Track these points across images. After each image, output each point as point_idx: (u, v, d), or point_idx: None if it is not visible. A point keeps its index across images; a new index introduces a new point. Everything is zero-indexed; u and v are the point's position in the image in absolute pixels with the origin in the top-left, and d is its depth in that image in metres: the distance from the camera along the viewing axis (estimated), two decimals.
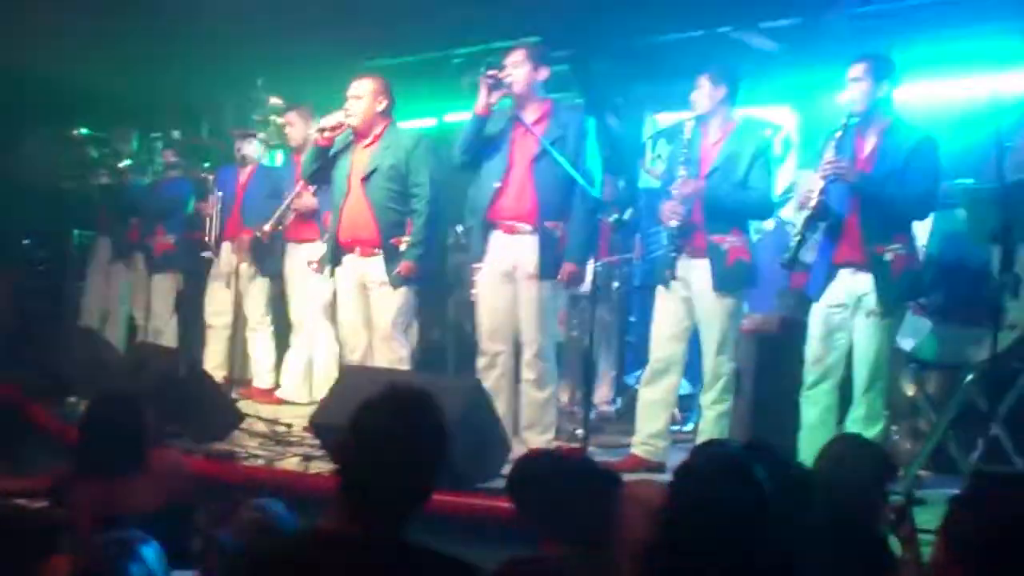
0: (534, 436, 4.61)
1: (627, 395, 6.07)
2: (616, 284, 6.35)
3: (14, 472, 4.52)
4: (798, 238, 4.26)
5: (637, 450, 4.62)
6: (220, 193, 6.30)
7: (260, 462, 4.80)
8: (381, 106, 4.92)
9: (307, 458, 4.78)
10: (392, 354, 4.88)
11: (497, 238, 4.73)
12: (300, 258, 6.18)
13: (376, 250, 4.90)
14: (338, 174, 5.01)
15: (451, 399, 3.73)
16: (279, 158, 7.20)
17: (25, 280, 7.95)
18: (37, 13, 6.28)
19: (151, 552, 2.50)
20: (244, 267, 6.30)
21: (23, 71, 7.11)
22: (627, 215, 5.83)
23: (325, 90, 5.87)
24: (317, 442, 4.74)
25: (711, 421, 4.53)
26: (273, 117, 6.94)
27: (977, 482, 3.49)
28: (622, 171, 6.62)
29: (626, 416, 5.56)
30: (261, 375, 6.57)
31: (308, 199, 5.98)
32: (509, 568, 2.35)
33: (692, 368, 4.93)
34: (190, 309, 6.81)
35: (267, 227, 6.08)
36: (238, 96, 7.34)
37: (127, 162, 7.18)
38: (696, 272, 4.52)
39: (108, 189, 7.18)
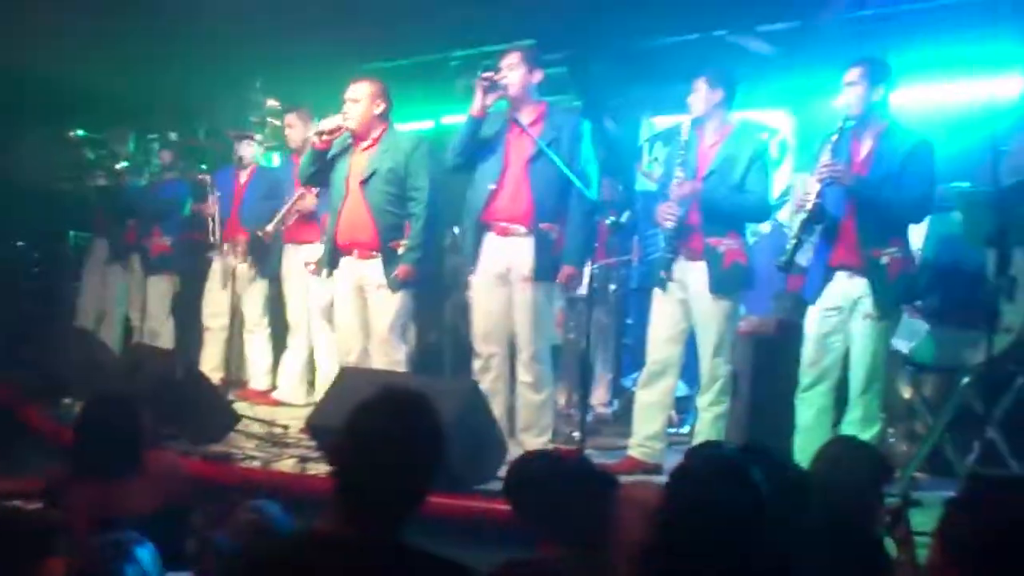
0: (531, 438, 4.62)
1: (624, 397, 6.08)
2: (613, 286, 6.35)
3: (9, 473, 4.50)
4: (794, 241, 4.27)
5: (634, 452, 4.63)
6: (219, 194, 6.30)
7: (256, 464, 4.80)
8: (379, 109, 4.92)
9: (304, 460, 4.78)
10: (389, 357, 4.88)
11: (491, 240, 4.73)
12: (298, 260, 6.18)
13: (374, 253, 4.90)
14: (336, 177, 5.01)
15: (447, 401, 3.74)
16: (275, 159, 7.20)
17: (21, 281, 7.94)
18: (33, 13, 6.27)
19: (146, 554, 2.50)
20: (243, 268, 6.30)
21: (19, 71, 7.10)
22: (624, 217, 5.83)
23: (322, 92, 5.87)
24: (314, 444, 4.74)
25: (708, 423, 4.53)
26: (270, 119, 6.95)
27: (973, 485, 3.49)
28: (619, 174, 6.63)
29: (623, 418, 5.56)
30: (258, 377, 6.57)
31: (310, 200, 5.98)
32: (506, 570, 2.35)
33: (689, 370, 4.94)
34: (186, 311, 6.81)
35: (269, 227, 6.08)
36: (235, 97, 7.34)
37: (124, 163, 7.17)
38: (693, 274, 4.53)
39: (105, 190, 7.17)
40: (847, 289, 4.25)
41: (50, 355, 6.28)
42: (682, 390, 5.30)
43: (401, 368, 4.91)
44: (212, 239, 6.26)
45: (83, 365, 5.90)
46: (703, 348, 4.56)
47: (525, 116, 4.68)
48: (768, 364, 5.03)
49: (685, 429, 5.56)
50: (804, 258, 4.45)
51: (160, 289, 6.89)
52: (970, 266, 4.59)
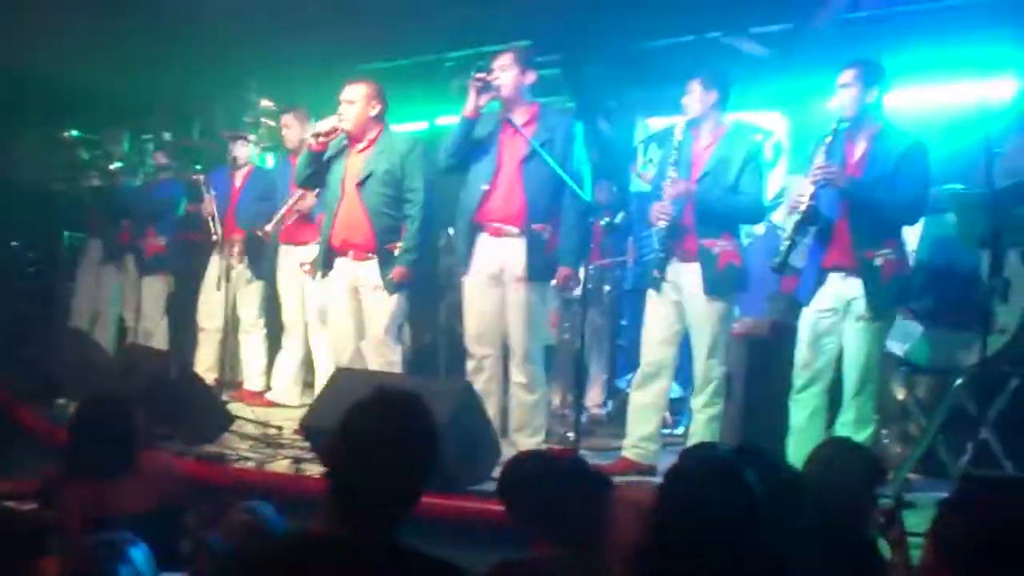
0: (524, 439, 4.62)
1: (618, 398, 6.08)
2: (607, 288, 6.36)
3: (3, 474, 4.49)
4: (788, 242, 4.28)
5: (628, 453, 4.63)
6: (215, 193, 6.30)
7: (250, 464, 4.79)
8: (374, 111, 4.92)
9: (298, 461, 4.77)
10: (385, 359, 4.88)
11: (484, 241, 4.73)
12: (293, 261, 6.18)
13: (369, 255, 4.89)
14: (332, 179, 5.00)
15: (441, 401, 3.74)
16: (269, 160, 7.20)
17: (15, 281, 7.92)
18: (27, 14, 6.26)
19: (140, 554, 2.50)
20: (239, 270, 6.30)
21: (13, 72, 7.09)
22: (619, 219, 5.84)
23: (318, 92, 5.87)
24: (308, 445, 4.73)
25: (702, 424, 4.54)
26: (264, 119, 6.95)
27: (966, 486, 3.50)
28: (613, 175, 6.64)
29: (617, 419, 5.56)
30: (252, 378, 6.56)
31: (311, 199, 5.97)
32: (500, 571, 2.36)
33: (683, 372, 4.95)
34: (181, 311, 6.80)
35: (268, 227, 6.08)
36: (230, 98, 7.34)
37: (118, 164, 7.17)
38: (687, 276, 4.53)
39: (99, 191, 7.17)
40: (841, 290, 4.26)
41: (44, 355, 6.27)
42: (676, 391, 5.31)
43: (397, 369, 4.91)
44: (214, 237, 6.24)
45: (77, 365, 5.90)
46: (697, 350, 4.56)
47: (518, 117, 4.69)
48: (762, 366, 5.03)
49: (679, 430, 5.56)
50: (798, 260, 4.46)
51: (154, 289, 6.89)
52: (964, 268, 4.59)
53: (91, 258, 7.31)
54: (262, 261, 6.39)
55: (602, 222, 5.75)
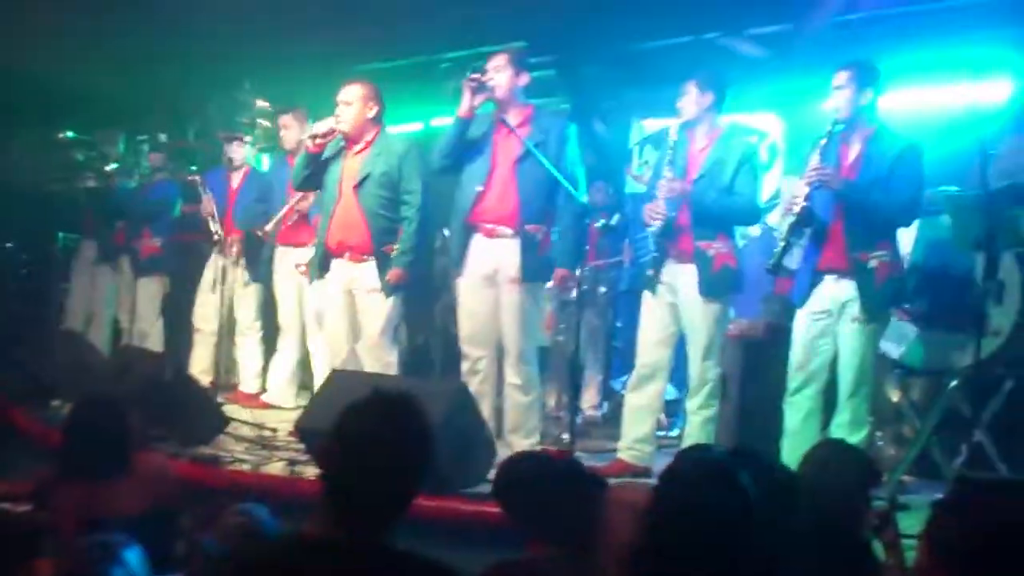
0: (519, 440, 4.61)
1: (613, 400, 6.09)
2: (603, 289, 6.36)
3: None
4: (782, 244, 4.28)
5: (623, 455, 4.63)
6: (211, 193, 6.30)
7: (245, 466, 4.79)
8: (371, 112, 4.91)
9: (293, 463, 4.76)
10: (381, 361, 4.86)
11: (478, 242, 4.73)
12: (290, 262, 6.17)
13: (366, 256, 4.88)
14: (329, 180, 4.99)
15: (436, 402, 3.74)
16: (264, 162, 7.19)
17: (9, 283, 7.91)
18: (22, 14, 6.25)
19: (134, 556, 2.49)
20: (237, 271, 6.29)
21: (7, 72, 7.08)
22: (614, 220, 5.84)
23: (316, 93, 5.86)
24: (303, 447, 4.73)
25: (697, 426, 4.54)
26: (259, 120, 6.93)
27: (961, 488, 3.49)
28: (609, 177, 6.64)
29: (612, 421, 5.56)
30: (247, 380, 6.55)
31: (312, 200, 5.96)
32: (496, 572, 2.36)
33: (678, 373, 4.95)
34: (176, 312, 6.79)
35: (268, 227, 6.07)
36: (225, 99, 7.33)
37: (113, 165, 7.16)
38: (682, 278, 4.53)
39: (94, 192, 7.15)
40: (835, 292, 4.26)
41: (38, 357, 6.26)
42: (671, 393, 5.31)
43: (393, 371, 4.90)
44: (215, 237, 6.23)
45: (71, 367, 5.88)
46: (692, 351, 4.56)
47: (511, 118, 4.69)
48: (757, 367, 5.04)
49: (674, 432, 5.57)
50: (793, 261, 4.46)
51: (150, 291, 6.87)
52: (958, 270, 4.61)
53: (85, 259, 7.30)
54: (259, 263, 6.38)
55: (598, 224, 5.75)
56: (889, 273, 4.22)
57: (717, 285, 4.50)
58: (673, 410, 5.70)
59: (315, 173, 5.02)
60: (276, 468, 4.75)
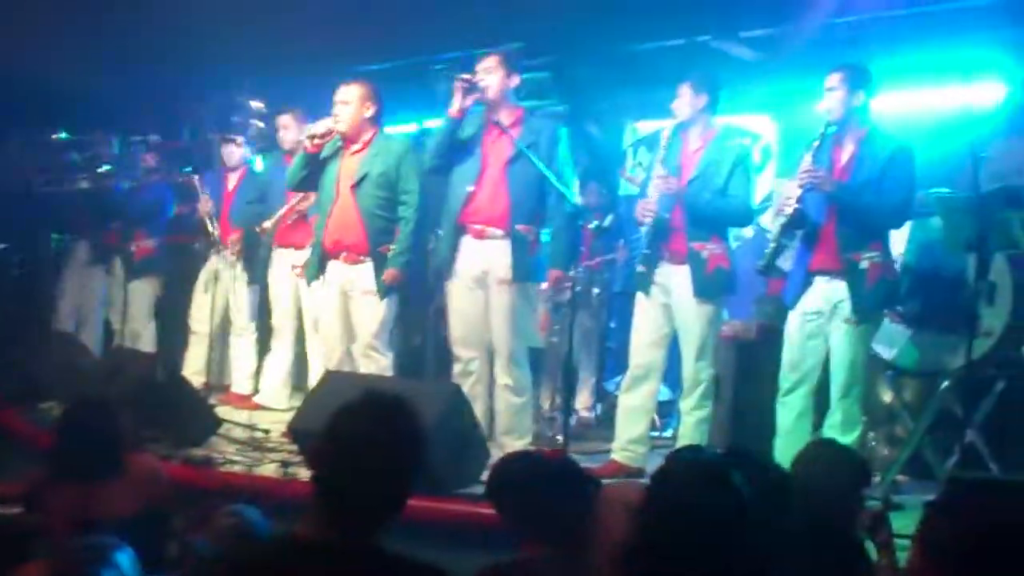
0: (511, 441, 4.61)
1: (607, 401, 6.09)
2: (596, 290, 6.36)
3: None
4: (774, 245, 4.30)
5: (617, 456, 4.63)
6: (208, 193, 6.28)
7: (238, 468, 4.77)
8: (369, 112, 4.90)
9: (285, 464, 4.75)
10: (375, 364, 4.86)
11: (468, 243, 4.72)
12: (285, 263, 6.16)
13: (362, 257, 4.87)
14: (326, 180, 4.97)
15: (429, 404, 3.74)
16: (259, 163, 7.17)
17: (1, 284, 7.87)
18: (15, 15, 6.23)
19: (125, 558, 2.48)
20: (233, 272, 6.27)
21: (1, 74, 7.06)
22: (608, 222, 5.83)
23: (312, 94, 5.85)
24: (295, 448, 4.72)
25: (691, 427, 4.54)
26: (254, 120, 6.92)
27: (953, 488, 3.51)
28: (602, 178, 6.65)
29: (606, 422, 5.56)
30: (240, 381, 6.53)
31: (312, 200, 5.94)
32: (489, 573, 2.36)
33: (672, 374, 4.95)
34: (169, 313, 6.77)
35: (268, 224, 6.05)
36: (221, 99, 7.31)
37: (107, 166, 7.13)
38: (676, 279, 4.54)
39: (89, 193, 7.13)
40: (827, 293, 4.27)
41: (30, 358, 6.23)
42: (665, 394, 5.31)
43: (388, 373, 4.90)
44: (212, 237, 6.21)
45: (63, 368, 5.87)
46: (686, 352, 4.57)
47: (503, 120, 4.69)
48: (750, 368, 5.05)
49: (668, 433, 5.57)
50: (785, 263, 4.47)
51: (142, 291, 6.85)
52: (950, 271, 4.61)
53: (78, 260, 7.27)
54: (256, 264, 6.37)
55: (591, 225, 5.75)
56: (881, 274, 4.23)
57: (710, 286, 4.51)
58: (667, 411, 5.70)
59: (312, 174, 5.00)
60: (269, 469, 4.74)
